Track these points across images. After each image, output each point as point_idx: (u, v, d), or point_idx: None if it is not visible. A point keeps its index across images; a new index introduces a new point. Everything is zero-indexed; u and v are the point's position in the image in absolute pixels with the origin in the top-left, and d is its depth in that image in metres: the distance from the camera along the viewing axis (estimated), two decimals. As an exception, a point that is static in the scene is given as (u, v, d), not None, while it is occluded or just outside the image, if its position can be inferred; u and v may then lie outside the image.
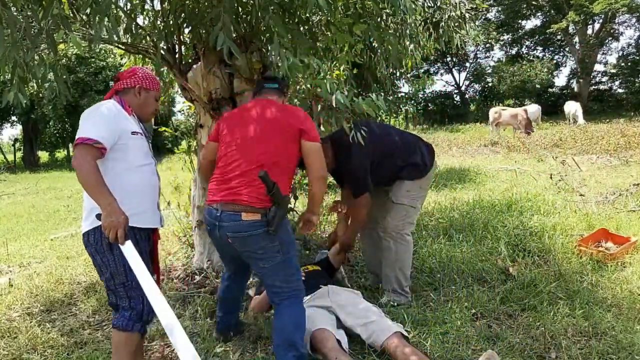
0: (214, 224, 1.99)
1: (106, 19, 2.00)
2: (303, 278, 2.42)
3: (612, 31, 21.68)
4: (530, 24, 31.60)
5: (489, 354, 2.01)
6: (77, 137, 1.76)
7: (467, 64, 25.97)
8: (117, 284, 1.84)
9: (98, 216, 1.73)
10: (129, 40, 2.86)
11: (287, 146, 2.03)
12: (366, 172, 2.65)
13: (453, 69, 26.03)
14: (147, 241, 1.93)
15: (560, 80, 44.46)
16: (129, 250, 1.74)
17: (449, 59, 24.79)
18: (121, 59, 4.04)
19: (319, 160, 2.06)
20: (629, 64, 21.60)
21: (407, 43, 3.90)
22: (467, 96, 26.20)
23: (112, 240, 1.70)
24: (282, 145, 2.01)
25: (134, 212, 1.79)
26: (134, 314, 1.86)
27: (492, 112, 13.90)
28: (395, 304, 2.72)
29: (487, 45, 23.77)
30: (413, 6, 2.71)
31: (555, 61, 24.51)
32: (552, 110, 20.42)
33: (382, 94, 6.23)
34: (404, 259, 2.77)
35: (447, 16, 3.88)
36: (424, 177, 2.76)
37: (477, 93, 26.20)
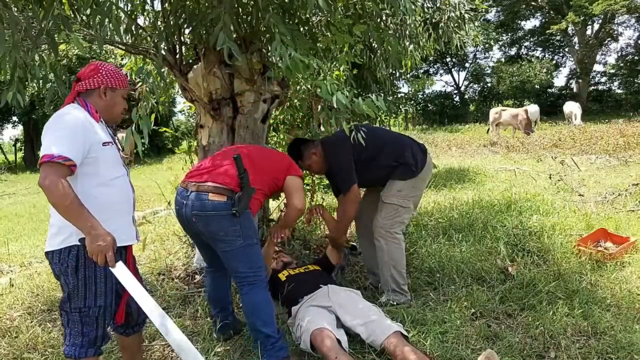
0: (182, 203, 2.11)
1: (107, 20, 2.01)
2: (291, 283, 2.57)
3: (611, 32, 21.71)
4: (530, 24, 31.63)
5: (488, 353, 2.02)
6: (42, 153, 1.56)
7: (467, 65, 26.02)
8: (73, 307, 1.69)
9: (82, 240, 1.61)
10: (130, 41, 2.87)
11: (273, 166, 2.32)
12: (349, 165, 2.69)
13: (452, 70, 26.09)
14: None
15: (560, 80, 44.51)
16: (120, 270, 1.66)
17: (448, 59, 24.83)
18: (122, 59, 4.04)
19: (298, 194, 2.34)
20: (628, 64, 21.64)
21: (407, 43, 3.91)
22: (466, 96, 26.25)
23: (101, 264, 1.61)
24: (269, 165, 2.31)
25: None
26: (85, 340, 1.72)
27: (493, 112, 13.93)
28: (395, 303, 2.72)
29: (487, 45, 23.79)
30: (413, 7, 2.72)
31: (554, 62, 24.56)
32: (552, 110, 20.47)
33: (382, 94, 6.25)
34: (397, 258, 2.76)
35: (446, 17, 3.90)
36: (416, 177, 2.77)
37: (477, 93, 26.25)
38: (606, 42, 22.48)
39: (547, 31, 21.93)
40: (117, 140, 1.87)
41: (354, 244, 3.46)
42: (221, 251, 2.12)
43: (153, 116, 3.52)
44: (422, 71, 23.54)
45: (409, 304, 2.75)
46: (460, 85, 26.37)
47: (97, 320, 1.73)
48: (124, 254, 1.83)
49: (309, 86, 3.61)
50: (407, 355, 2.01)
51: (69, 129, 1.61)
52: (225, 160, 2.20)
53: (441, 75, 27.10)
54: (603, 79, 23.75)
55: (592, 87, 23.19)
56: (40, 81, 2.27)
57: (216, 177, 2.10)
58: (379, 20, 3.23)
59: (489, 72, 25.70)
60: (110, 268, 1.64)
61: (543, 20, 23.39)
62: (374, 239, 2.80)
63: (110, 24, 2.01)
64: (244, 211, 2.05)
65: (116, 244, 1.64)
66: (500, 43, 25.17)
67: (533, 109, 13.76)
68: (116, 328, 1.95)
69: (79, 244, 1.63)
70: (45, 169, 1.55)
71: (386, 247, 2.75)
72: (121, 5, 2.45)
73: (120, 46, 2.98)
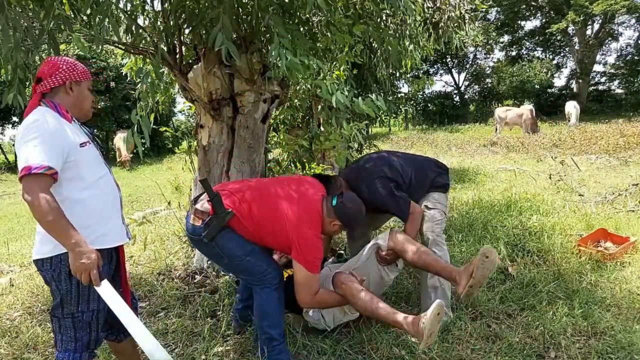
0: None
1: (107, 20, 2.01)
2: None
3: (611, 32, 21.71)
4: (530, 24, 31.59)
5: (486, 250, 2.06)
6: (21, 166, 1.48)
7: (467, 65, 26.03)
8: (65, 313, 1.65)
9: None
10: (130, 41, 2.87)
11: (275, 232, 2.01)
12: (393, 191, 2.47)
13: (452, 70, 26.08)
14: (108, 263, 1.72)
15: (560, 80, 44.52)
16: (105, 289, 1.59)
17: (448, 59, 24.84)
18: (122, 59, 4.05)
19: (302, 288, 2.03)
20: (628, 64, 21.64)
21: (407, 43, 3.92)
22: (466, 97, 26.25)
23: (85, 283, 1.54)
24: (275, 227, 2.01)
25: (98, 235, 1.64)
26: (79, 345, 1.69)
27: (499, 112, 14.00)
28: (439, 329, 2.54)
29: (487, 47, 23.80)
30: (413, 7, 2.72)
31: (555, 62, 24.56)
32: (552, 110, 20.48)
33: (382, 94, 6.25)
34: None
35: (446, 17, 3.90)
36: (447, 192, 2.71)
37: (477, 93, 26.25)
38: (606, 42, 22.47)
39: (547, 31, 21.92)
40: (94, 138, 1.78)
41: (341, 252, 3.43)
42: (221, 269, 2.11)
43: (152, 116, 3.53)
44: (422, 71, 23.54)
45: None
46: (460, 85, 26.37)
47: (90, 325, 1.70)
48: (116, 255, 1.79)
49: (309, 86, 3.61)
50: (405, 247, 2.29)
51: (43, 136, 1.51)
52: (232, 184, 2.18)
53: (441, 75, 27.10)
54: (603, 79, 23.74)
55: (592, 87, 23.17)
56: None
57: (201, 204, 2.05)
58: (379, 20, 3.23)
59: (489, 72, 25.71)
60: (94, 287, 1.58)
61: (543, 20, 23.38)
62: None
63: (110, 25, 2.00)
64: (213, 236, 1.95)
65: (101, 261, 1.57)
66: (501, 44, 25.17)
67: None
68: (108, 335, 1.93)
69: None
70: (26, 183, 1.47)
71: (439, 253, 2.52)
72: (121, 5, 2.44)
73: (120, 46, 2.99)
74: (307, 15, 2.78)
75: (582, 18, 19.06)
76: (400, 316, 2.02)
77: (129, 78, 3.74)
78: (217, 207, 1.96)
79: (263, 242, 2.08)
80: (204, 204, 2.03)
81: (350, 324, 2.55)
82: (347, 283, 2.17)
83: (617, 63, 22.62)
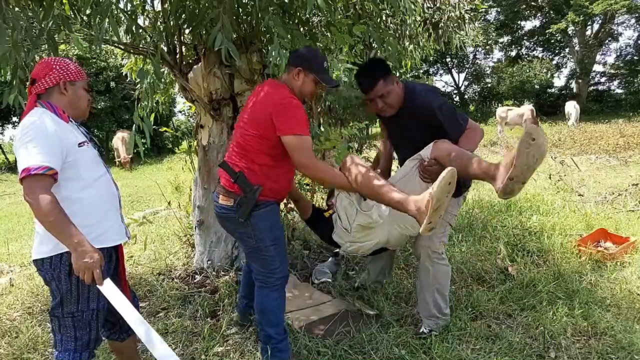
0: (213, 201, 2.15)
1: (106, 20, 2.01)
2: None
3: (611, 32, 21.71)
4: (530, 24, 31.57)
5: (532, 130, 1.67)
6: (21, 167, 1.48)
7: (467, 65, 26.04)
8: (65, 312, 1.65)
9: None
10: (130, 41, 2.87)
11: (258, 132, 1.95)
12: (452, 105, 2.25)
13: (452, 70, 26.10)
14: (108, 262, 1.72)
15: (560, 80, 44.56)
16: (108, 288, 1.60)
17: (448, 59, 24.85)
18: (122, 59, 4.05)
19: (296, 154, 1.92)
20: (628, 64, 21.64)
21: (407, 44, 3.92)
22: (466, 97, 26.26)
23: (88, 282, 1.55)
24: (254, 131, 1.96)
25: (98, 234, 1.65)
26: (79, 344, 1.69)
27: (500, 112, 14.00)
28: (436, 330, 2.44)
29: (487, 47, 23.82)
30: (413, 7, 2.72)
31: (555, 62, 24.56)
32: (552, 110, 20.48)
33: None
34: (444, 282, 2.45)
35: (446, 17, 3.90)
36: (460, 196, 2.47)
37: (477, 93, 26.27)
38: (606, 42, 22.47)
39: (547, 31, 21.91)
40: (92, 138, 1.77)
41: (337, 250, 3.40)
42: (241, 247, 2.13)
43: (152, 115, 3.53)
44: (422, 71, 23.54)
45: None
46: (460, 85, 26.39)
47: (90, 324, 1.70)
48: (115, 254, 1.79)
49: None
50: (449, 153, 2.00)
51: (41, 137, 1.52)
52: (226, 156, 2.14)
53: (441, 75, 27.14)
54: (603, 79, 23.73)
55: (592, 87, 23.18)
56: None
57: (222, 179, 2.05)
58: (379, 20, 3.23)
59: (489, 72, 25.73)
60: (97, 286, 1.59)
61: (543, 21, 23.38)
62: (420, 261, 2.47)
63: (110, 25, 2.00)
64: (246, 216, 1.97)
65: (103, 260, 1.58)
66: (501, 44, 25.17)
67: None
68: (110, 334, 1.93)
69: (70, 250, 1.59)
70: (27, 184, 1.48)
71: (433, 269, 2.41)
72: (121, 5, 2.45)
73: (120, 46, 2.99)
74: (307, 16, 2.79)
75: (582, 18, 19.05)
76: (404, 195, 1.84)
77: (128, 78, 3.74)
78: (244, 186, 1.96)
79: (278, 155, 1.98)
80: (223, 185, 2.02)
81: (350, 324, 2.55)
82: (355, 159, 2.04)
83: (617, 63, 22.61)
